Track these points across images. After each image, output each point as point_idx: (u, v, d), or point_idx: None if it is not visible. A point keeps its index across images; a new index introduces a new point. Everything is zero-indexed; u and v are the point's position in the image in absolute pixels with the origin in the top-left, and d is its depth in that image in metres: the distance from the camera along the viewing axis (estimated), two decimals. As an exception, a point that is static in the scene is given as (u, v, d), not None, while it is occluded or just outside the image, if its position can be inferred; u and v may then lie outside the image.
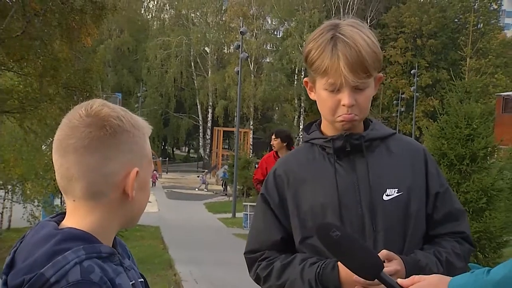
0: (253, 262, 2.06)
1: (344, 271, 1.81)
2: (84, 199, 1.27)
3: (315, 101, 2.03)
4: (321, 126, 2.07)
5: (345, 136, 1.95)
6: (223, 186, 39.91)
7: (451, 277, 1.38)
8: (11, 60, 14.34)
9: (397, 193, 1.94)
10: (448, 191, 2.05)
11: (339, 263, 1.82)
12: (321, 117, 2.09)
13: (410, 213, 1.94)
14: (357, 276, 1.73)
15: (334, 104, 1.91)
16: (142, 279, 1.41)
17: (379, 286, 1.74)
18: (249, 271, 2.11)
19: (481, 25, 57.32)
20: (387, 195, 1.93)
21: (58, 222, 1.31)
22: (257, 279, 2.06)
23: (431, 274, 1.83)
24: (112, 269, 1.24)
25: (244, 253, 2.11)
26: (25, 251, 1.24)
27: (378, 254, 1.74)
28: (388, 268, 1.77)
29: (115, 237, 1.36)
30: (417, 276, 1.44)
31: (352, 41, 1.86)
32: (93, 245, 1.24)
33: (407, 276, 1.77)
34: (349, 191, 1.93)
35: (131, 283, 1.30)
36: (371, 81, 1.93)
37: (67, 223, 1.30)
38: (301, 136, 7.70)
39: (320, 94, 1.95)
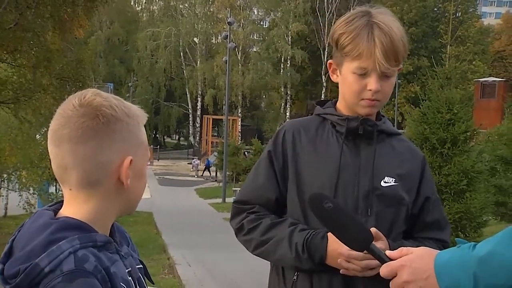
0: (241, 212, 2.05)
1: (332, 243, 1.82)
2: (80, 188, 1.25)
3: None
4: (337, 105, 2.06)
5: (361, 119, 1.95)
6: (209, 172, 40.18)
7: (438, 251, 1.36)
8: (5, 52, 14.18)
9: (394, 182, 1.95)
10: (438, 200, 2.09)
11: (329, 234, 1.83)
12: (332, 99, 2.09)
13: (402, 204, 1.96)
14: (341, 249, 1.75)
15: (361, 88, 1.91)
16: (141, 265, 1.39)
17: (361, 262, 1.78)
18: (231, 219, 2.09)
19: (460, 13, 57.48)
20: (384, 182, 1.94)
21: (56, 211, 1.29)
22: (239, 229, 2.04)
23: None
24: (108, 258, 1.22)
25: (234, 202, 2.11)
26: (22, 240, 1.22)
27: None
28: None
29: (113, 225, 1.34)
30: (405, 248, 1.41)
31: (388, 29, 1.87)
32: (88, 234, 1.22)
33: None
34: (350, 173, 1.93)
35: (127, 270, 1.28)
36: (396, 69, 1.93)
37: (64, 212, 1.28)
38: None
39: (346, 77, 1.94)
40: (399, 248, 1.42)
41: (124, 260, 1.30)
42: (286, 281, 1.98)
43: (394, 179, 1.94)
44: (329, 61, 2.04)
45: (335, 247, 1.79)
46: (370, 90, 1.89)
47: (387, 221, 1.93)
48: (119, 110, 1.26)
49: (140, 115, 1.32)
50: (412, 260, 1.35)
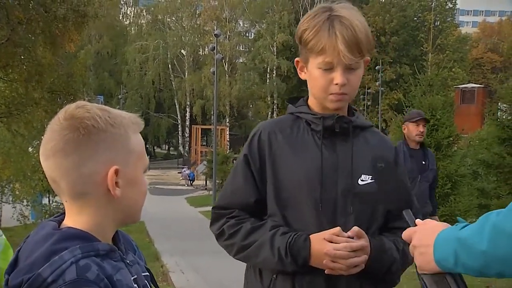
0: (221, 218, 2.00)
1: (315, 244, 1.81)
2: (73, 199, 1.25)
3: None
4: (308, 102, 2.03)
5: (336, 117, 1.92)
6: (190, 182, 40.28)
7: (449, 226, 1.38)
8: (-3, 67, 14.13)
9: (370, 180, 1.92)
10: (409, 189, 2.08)
11: (311, 236, 1.82)
12: (306, 95, 2.07)
13: (379, 200, 1.92)
14: (327, 249, 1.76)
15: (327, 83, 1.88)
16: (148, 273, 1.38)
17: (347, 261, 1.78)
18: (211, 225, 2.05)
19: (438, 22, 57.96)
20: (362, 180, 1.92)
21: (60, 222, 1.29)
22: (220, 234, 2.00)
23: (392, 257, 1.88)
24: (112, 266, 1.21)
25: (213, 208, 2.06)
26: (26, 251, 1.22)
27: (351, 230, 1.80)
28: (356, 243, 1.80)
29: (118, 233, 1.33)
30: (428, 220, 1.46)
31: (349, 21, 1.84)
32: (90, 244, 1.21)
33: (370, 256, 1.81)
34: (328, 171, 1.90)
35: (132, 278, 1.27)
36: (362, 62, 1.90)
37: (66, 222, 1.28)
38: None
39: (312, 72, 1.91)
40: (425, 220, 1.45)
41: (130, 267, 1.28)
42: (264, 278, 1.94)
43: (370, 177, 1.91)
44: (296, 59, 2.00)
45: (319, 248, 1.78)
46: (337, 84, 1.86)
47: (365, 219, 1.90)
48: (102, 120, 1.24)
49: (130, 124, 1.29)
50: (425, 229, 1.40)
